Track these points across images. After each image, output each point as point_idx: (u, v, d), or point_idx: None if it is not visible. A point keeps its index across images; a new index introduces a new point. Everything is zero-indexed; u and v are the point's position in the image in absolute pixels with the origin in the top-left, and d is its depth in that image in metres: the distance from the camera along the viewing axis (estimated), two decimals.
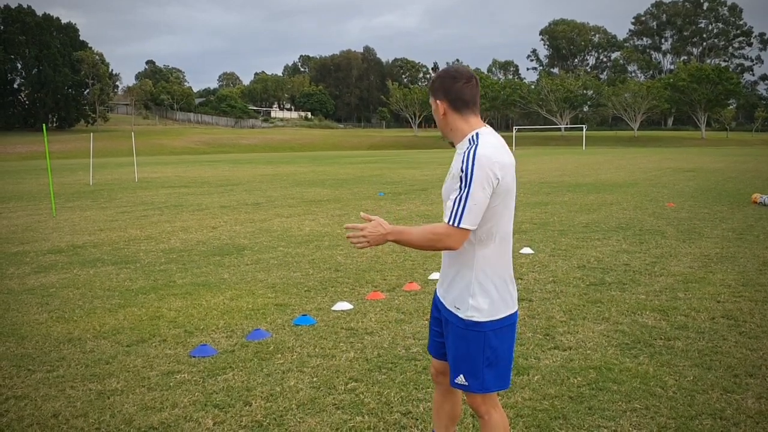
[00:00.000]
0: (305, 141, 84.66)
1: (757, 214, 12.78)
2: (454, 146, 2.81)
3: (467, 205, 2.56)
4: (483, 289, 2.72)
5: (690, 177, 23.39)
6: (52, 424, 3.92)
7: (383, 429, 3.76)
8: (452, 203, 2.59)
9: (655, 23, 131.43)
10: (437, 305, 2.98)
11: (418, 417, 3.90)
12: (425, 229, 2.66)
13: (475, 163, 2.56)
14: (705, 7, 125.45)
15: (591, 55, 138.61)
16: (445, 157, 44.03)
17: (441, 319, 2.94)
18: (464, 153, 2.62)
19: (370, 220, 2.72)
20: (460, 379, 2.80)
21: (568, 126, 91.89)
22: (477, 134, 2.70)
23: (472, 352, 2.75)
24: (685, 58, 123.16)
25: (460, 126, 2.74)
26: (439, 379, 3.14)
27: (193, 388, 4.42)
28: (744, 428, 3.67)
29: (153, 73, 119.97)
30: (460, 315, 2.74)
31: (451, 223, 2.59)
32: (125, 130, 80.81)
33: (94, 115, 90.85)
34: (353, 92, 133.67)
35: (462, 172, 2.58)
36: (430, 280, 7.42)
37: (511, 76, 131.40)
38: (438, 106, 2.75)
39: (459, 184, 2.59)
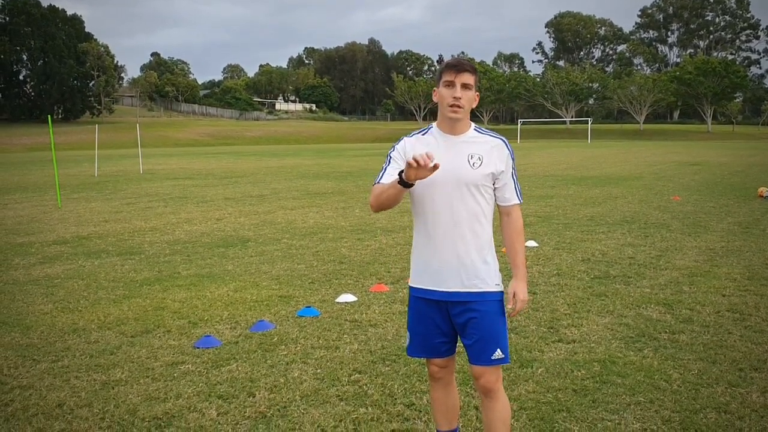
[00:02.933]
0: (310, 133, 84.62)
1: (763, 208, 12.72)
2: (448, 131, 2.92)
3: (518, 183, 3.02)
4: (497, 261, 2.99)
5: (695, 170, 23.31)
6: (57, 413, 3.93)
7: (386, 420, 3.76)
8: (514, 184, 2.98)
9: (661, 16, 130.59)
10: (442, 302, 2.94)
11: (421, 409, 3.90)
12: (522, 240, 3.01)
13: (512, 148, 2.98)
14: (712, 0, 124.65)
15: (597, 47, 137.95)
16: None
17: (453, 315, 2.93)
18: (503, 139, 2.98)
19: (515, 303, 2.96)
20: (498, 354, 2.93)
21: (574, 119, 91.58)
22: (477, 125, 3.00)
23: (504, 323, 2.98)
24: (692, 51, 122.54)
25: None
26: (440, 375, 3.12)
27: (197, 379, 4.43)
28: (749, 422, 3.66)
29: (158, 65, 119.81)
30: (499, 289, 2.96)
31: (521, 201, 3.02)
32: (130, 121, 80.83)
33: (99, 107, 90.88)
34: (358, 85, 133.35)
35: (510, 157, 2.96)
36: None
37: (516, 69, 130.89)
38: (477, 96, 2.96)
39: (511, 165, 2.96)
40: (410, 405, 3.96)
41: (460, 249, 2.89)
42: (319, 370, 4.54)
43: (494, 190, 2.95)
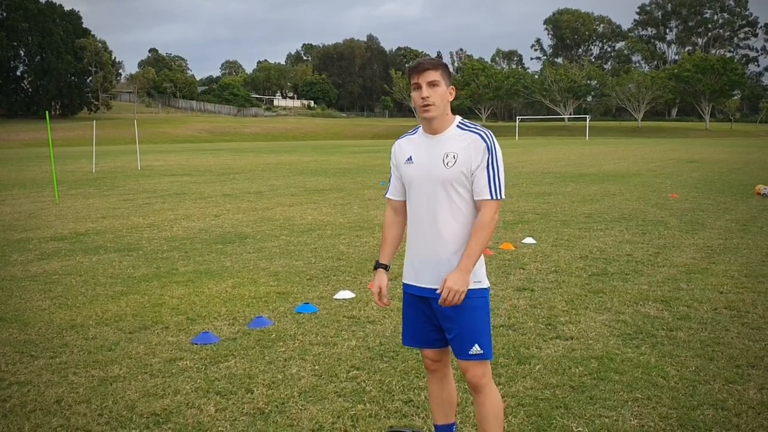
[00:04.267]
0: (308, 130, 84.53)
1: (761, 205, 12.75)
2: (428, 131, 2.96)
3: (502, 177, 2.87)
4: (481, 258, 2.97)
5: (693, 168, 23.33)
6: (55, 409, 3.93)
7: (384, 417, 3.77)
8: (488, 179, 2.83)
9: (660, 13, 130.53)
10: (424, 297, 3.00)
11: (419, 405, 3.91)
12: (481, 235, 2.83)
13: (495, 141, 2.90)
14: None
15: (595, 45, 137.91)
16: None
17: (434, 309, 2.98)
18: (481, 134, 2.88)
19: (443, 290, 2.82)
20: (475, 349, 2.92)
21: (572, 116, 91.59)
22: (462, 120, 2.97)
23: (484, 320, 2.95)
24: (690, 48, 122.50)
25: (449, 111, 2.96)
26: (434, 367, 3.16)
27: (195, 375, 4.43)
28: (745, 419, 3.67)
29: (156, 61, 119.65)
30: (480, 286, 2.93)
31: (496, 197, 2.85)
32: (128, 117, 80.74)
33: (96, 103, 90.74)
34: (356, 81, 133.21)
35: (487, 150, 2.84)
36: None
37: (514, 66, 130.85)
38: (452, 90, 2.94)
39: (487, 159, 2.83)
40: (408, 401, 3.97)
41: (438, 246, 2.93)
42: (317, 367, 4.54)
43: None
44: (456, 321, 2.93)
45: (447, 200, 2.89)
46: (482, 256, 2.97)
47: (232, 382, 4.30)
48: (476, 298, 2.91)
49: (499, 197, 2.85)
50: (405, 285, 3.12)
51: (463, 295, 2.80)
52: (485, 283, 2.97)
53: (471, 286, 2.90)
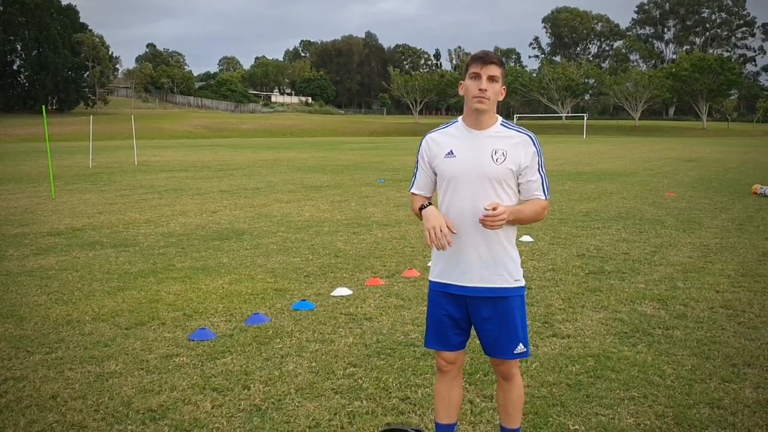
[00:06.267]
0: (305, 126, 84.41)
1: (757, 204, 12.77)
2: (472, 125, 2.92)
3: (547, 179, 2.97)
4: (519, 257, 3.03)
5: (690, 167, 23.36)
6: (51, 405, 3.92)
7: (381, 414, 3.77)
8: (541, 180, 2.92)
9: (657, 12, 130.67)
10: (461, 296, 2.96)
11: (416, 402, 3.91)
12: (535, 203, 2.93)
13: (540, 145, 2.96)
14: None
15: (593, 43, 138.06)
16: None
17: (470, 310, 2.97)
18: (530, 136, 2.93)
19: (495, 208, 2.77)
20: (520, 348, 2.97)
21: (569, 114, 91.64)
22: (504, 120, 2.99)
23: (524, 318, 3.00)
24: (688, 47, 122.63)
25: (495, 110, 2.97)
26: (448, 368, 3.13)
27: (192, 371, 4.43)
28: (741, 417, 3.68)
29: (153, 56, 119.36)
30: (519, 284, 2.97)
31: (547, 197, 2.95)
32: (125, 113, 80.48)
33: (93, 98, 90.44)
34: (354, 78, 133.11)
35: (537, 154, 2.91)
36: (429, 267, 7.41)
37: (512, 64, 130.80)
38: (503, 90, 2.95)
39: (537, 162, 2.91)
40: (405, 398, 3.97)
41: (482, 244, 2.90)
42: (314, 364, 4.54)
43: (518, 185, 2.93)
44: (499, 322, 2.94)
45: (494, 196, 2.86)
46: (518, 255, 3.00)
47: (229, 378, 4.29)
48: (517, 297, 2.95)
49: (548, 197, 2.97)
50: (436, 284, 3.05)
51: (501, 223, 2.77)
52: (523, 281, 2.99)
53: (512, 285, 2.93)
